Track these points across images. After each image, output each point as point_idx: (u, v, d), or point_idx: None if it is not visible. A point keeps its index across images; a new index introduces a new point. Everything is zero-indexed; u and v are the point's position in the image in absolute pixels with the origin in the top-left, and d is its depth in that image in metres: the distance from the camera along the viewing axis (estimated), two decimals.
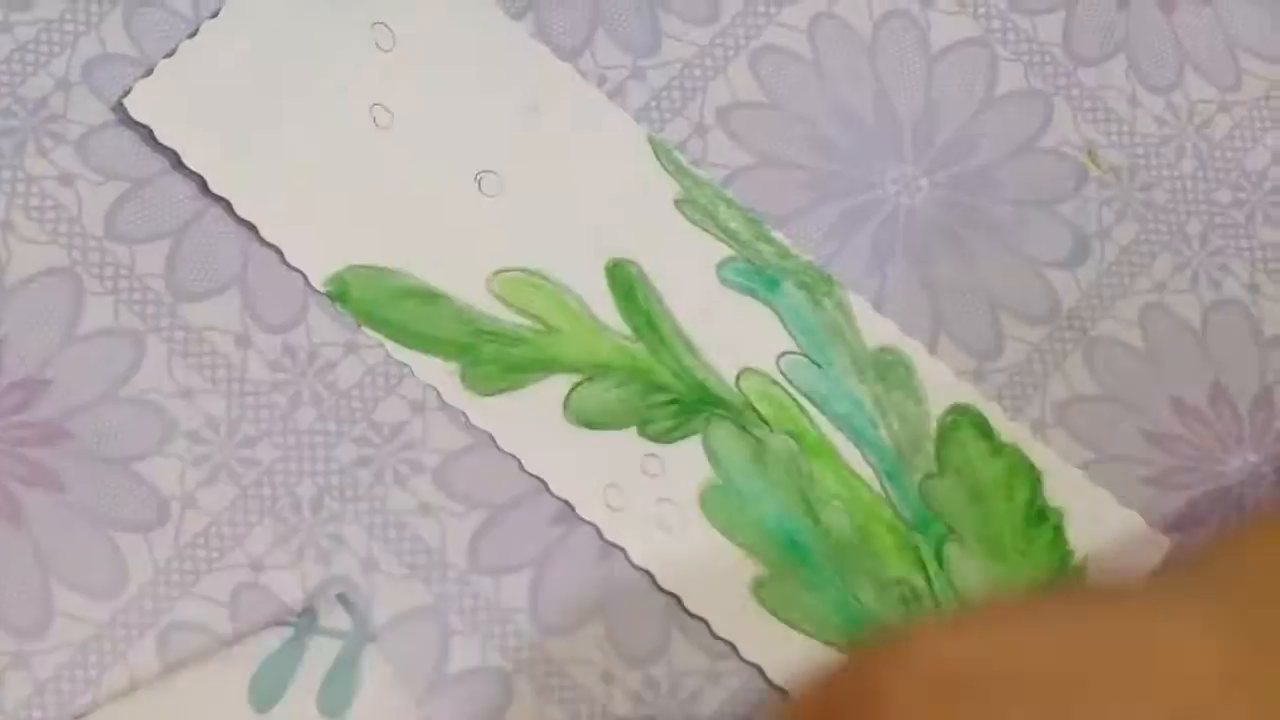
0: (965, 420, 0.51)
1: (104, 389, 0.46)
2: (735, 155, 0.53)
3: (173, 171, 0.49)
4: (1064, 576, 0.49)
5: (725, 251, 0.51)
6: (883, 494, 0.50)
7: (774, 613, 0.48)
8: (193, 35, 0.50)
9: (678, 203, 0.52)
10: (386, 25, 0.51)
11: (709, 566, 0.48)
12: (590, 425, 0.49)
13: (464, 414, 0.48)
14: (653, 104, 0.53)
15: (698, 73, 0.53)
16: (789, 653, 0.48)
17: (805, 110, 0.53)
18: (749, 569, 0.49)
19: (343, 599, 0.46)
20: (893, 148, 0.53)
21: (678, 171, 0.52)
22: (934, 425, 0.51)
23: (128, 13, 0.51)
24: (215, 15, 0.51)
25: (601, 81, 0.52)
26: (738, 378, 0.50)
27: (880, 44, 0.54)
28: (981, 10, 0.55)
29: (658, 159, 0.52)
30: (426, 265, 0.49)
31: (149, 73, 0.50)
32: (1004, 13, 0.55)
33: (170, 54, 0.50)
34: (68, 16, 0.50)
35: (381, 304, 0.49)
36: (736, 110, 0.53)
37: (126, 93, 0.50)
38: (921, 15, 0.54)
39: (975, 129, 0.51)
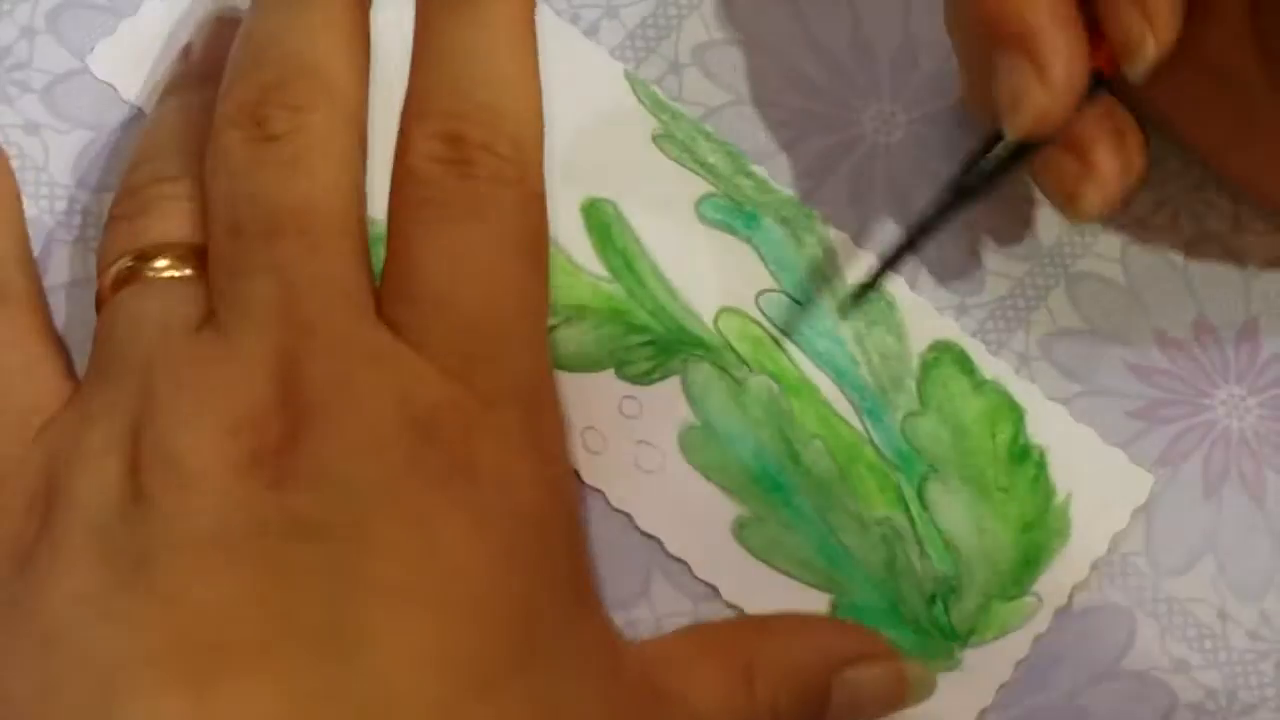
0: (947, 357, 0.49)
1: (77, 341, 0.44)
2: (711, 94, 0.51)
3: (142, 118, 0.47)
4: (1047, 514, 0.47)
5: (704, 187, 0.50)
6: (864, 432, 0.48)
7: (755, 554, 0.47)
8: None
9: (655, 138, 0.50)
10: None
11: (689, 508, 0.47)
12: (567, 368, 0.47)
13: None
14: (627, 42, 0.51)
15: (672, 10, 0.51)
16: (770, 594, 0.47)
17: (781, 47, 0.51)
18: (730, 510, 0.47)
19: None
20: (870, 84, 0.51)
21: (655, 106, 0.50)
22: (916, 362, 0.49)
23: None
24: None
25: (575, 20, 0.50)
26: (716, 317, 0.48)
27: None
28: None
29: (635, 94, 0.50)
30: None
31: (112, 32, 0.48)
32: None
33: (133, 13, 0.48)
34: None
35: None
36: (711, 48, 0.51)
37: (91, 49, 0.48)
38: None
39: (953, 66, 0.49)
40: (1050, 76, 0.41)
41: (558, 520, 0.38)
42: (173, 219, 0.40)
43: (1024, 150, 0.44)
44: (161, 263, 0.40)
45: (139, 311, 0.39)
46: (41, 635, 0.35)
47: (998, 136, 0.44)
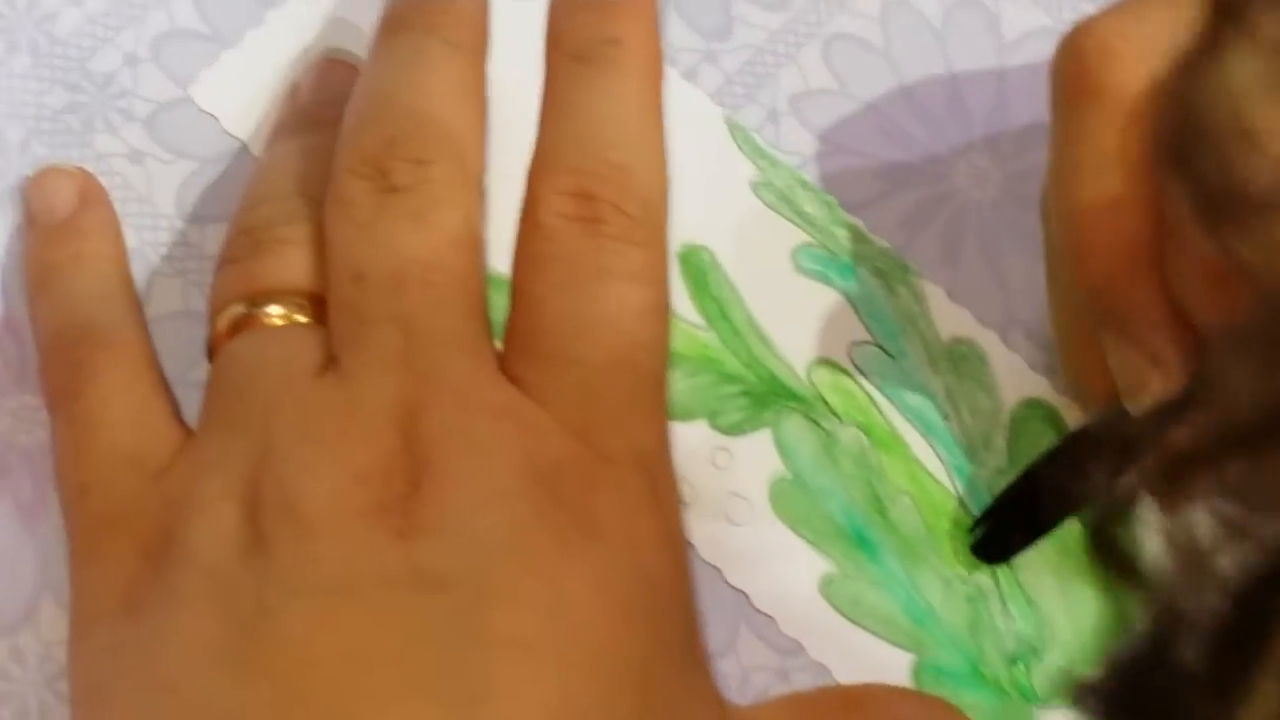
0: (1037, 415, 0.48)
1: (174, 374, 0.43)
2: (807, 142, 0.50)
3: (245, 151, 0.46)
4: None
5: (801, 237, 0.49)
6: (952, 489, 0.47)
7: (841, 610, 0.46)
8: (259, 24, 0.48)
9: (754, 185, 0.49)
10: None
11: (777, 562, 0.46)
12: None
13: None
14: (725, 88, 0.50)
15: (769, 58, 0.50)
16: (855, 653, 0.46)
17: (877, 99, 0.51)
18: (817, 565, 0.46)
19: None
20: (964, 138, 0.50)
21: (754, 153, 0.49)
22: (1006, 419, 0.48)
23: None
24: (283, 3, 0.48)
25: (673, 63, 0.49)
26: (809, 368, 0.48)
27: (952, 33, 0.51)
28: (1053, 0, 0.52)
29: (735, 140, 0.49)
30: (498, 255, 0.46)
31: (215, 63, 0.47)
32: (1076, 3, 0.52)
33: (236, 44, 0.47)
34: None
35: None
36: (808, 97, 0.50)
37: (194, 78, 0.47)
38: (993, 4, 0.52)
39: (1047, 120, 0.48)
40: (1168, 369, 0.43)
41: (675, 580, 0.38)
42: (289, 264, 0.39)
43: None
44: (277, 308, 0.39)
45: (259, 357, 0.38)
46: (160, 682, 0.35)
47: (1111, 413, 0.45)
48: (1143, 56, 0.42)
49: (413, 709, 0.34)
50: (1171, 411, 0.42)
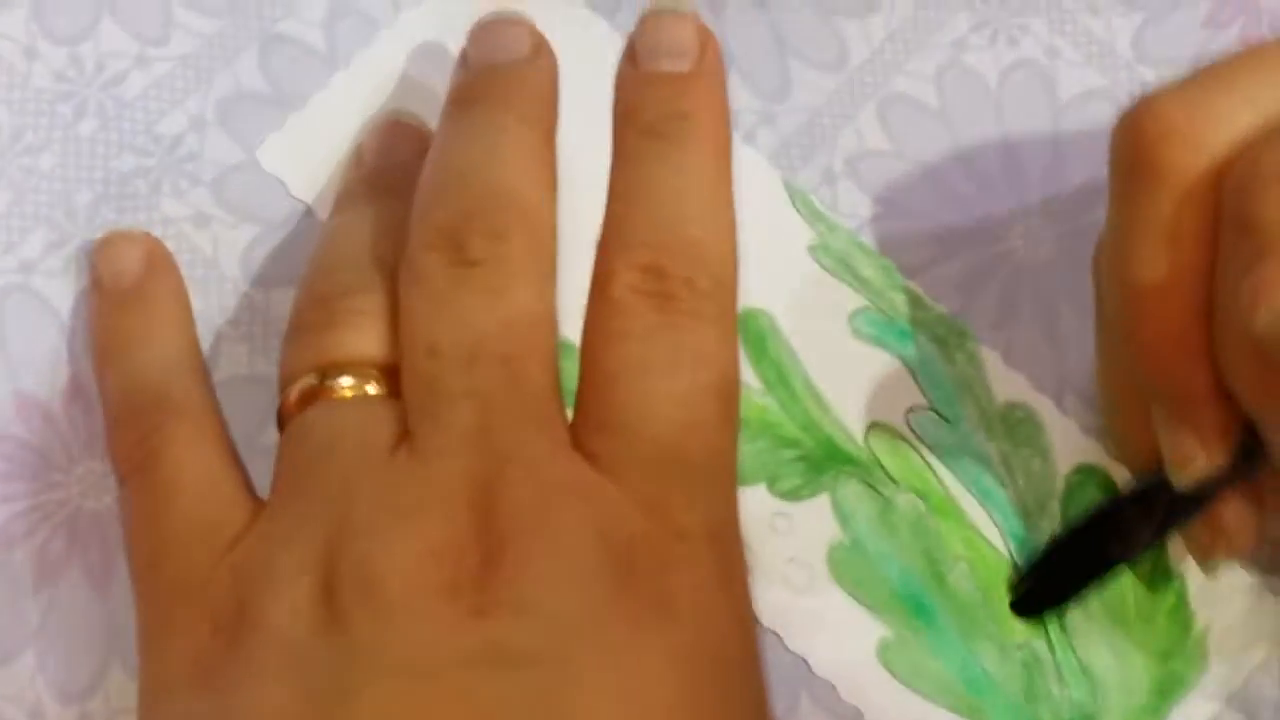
0: (1091, 480, 0.48)
1: (241, 438, 0.43)
2: (864, 205, 0.50)
3: (310, 214, 0.46)
4: (1185, 643, 0.47)
5: (858, 301, 0.49)
6: (1007, 555, 0.47)
7: (898, 677, 0.46)
8: (324, 87, 0.47)
9: (812, 249, 0.49)
10: None
11: (836, 629, 0.46)
12: None
13: None
14: (782, 150, 0.50)
15: (826, 120, 0.50)
16: (912, 719, 0.46)
17: (932, 161, 0.50)
18: (875, 631, 0.46)
19: None
20: (1019, 200, 0.50)
21: (813, 216, 0.49)
22: (1060, 484, 0.48)
23: (263, 50, 0.48)
24: (347, 65, 0.48)
25: (733, 126, 0.49)
26: (866, 432, 0.47)
27: (1007, 94, 0.51)
28: (1109, 61, 0.52)
29: (793, 203, 0.49)
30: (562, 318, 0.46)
31: (281, 127, 0.47)
32: (1130, 63, 0.52)
33: (301, 108, 0.47)
34: (203, 52, 0.47)
35: None
36: (865, 159, 0.50)
37: (260, 142, 0.47)
38: (1049, 66, 0.51)
39: (1102, 180, 0.48)
40: (1214, 448, 0.43)
41: (746, 656, 0.38)
42: (362, 335, 0.39)
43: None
44: (349, 380, 0.39)
45: (332, 430, 0.38)
46: None
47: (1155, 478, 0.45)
48: (1204, 138, 0.42)
49: None
50: (1216, 486, 0.42)
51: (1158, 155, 0.42)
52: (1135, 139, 0.43)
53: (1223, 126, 0.42)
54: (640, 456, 0.38)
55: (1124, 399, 0.46)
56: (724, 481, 0.39)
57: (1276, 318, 0.38)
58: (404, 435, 0.38)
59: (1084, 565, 0.47)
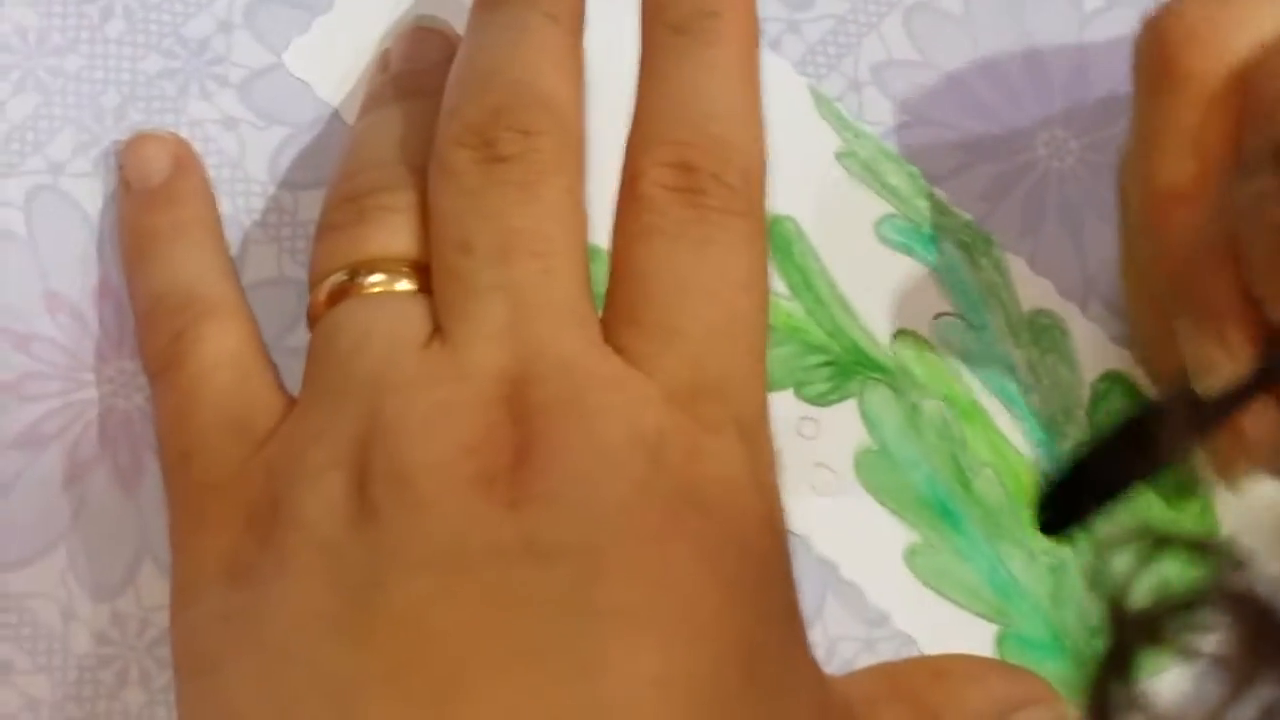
0: (1118, 387, 0.48)
1: (270, 340, 0.42)
2: (889, 113, 0.49)
3: (338, 118, 0.46)
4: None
5: (885, 208, 0.48)
6: (1034, 461, 0.47)
7: (926, 581, 0.46)
8: None
9: (838, 156, 0.49)
10: None
11: (863, 533, 0.46)
12: None
13: None
14: (808, 58, 0.49)
15: (852, 28, 0.50)
16: (940, 623, 0.46)
17: (957, 70, 0.50)
18: (902, 536, 0.46)
19: None
20: (1044, 109, 0.50)
21: (839, 124, 0.49)
22: (1087, 392, 0.48)
23: None
24: None
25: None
26: (892, 339, 0.47)
27: (1031, 3, 0.51)
28: None
29: (819, 111, 0.49)
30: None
31: (307, 30, 0.47)
32: None
33: (327, 10, 0.47)
34: None
35: None
36: (890, 68, 0.50)
37: (287, 45, 0.46)
38: None
39: (1126, 91, 0.48)
40: (1238, 353, 0.43)
41: (776, 552, 0.37)
42: (392, 231, 0.39)
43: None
44: (380, 277, 0.39)
45: (363, 326, 0.38)
46: (273, 650, 0.34)
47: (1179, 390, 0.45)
48: (1228, 43, 0.42)
49: (525, 680, 0.34)
50: (1240, 395, 0.42)
51: (1181, 60, 0.42)
52: (1159, 44, 0.43)
53: (1245, 31, 0.42)
54: (671, 351, 0.37)
55: (1149, 310, 0.46)
56: (754, 376, 0.38)
57: None
58: (435, 331, 0.38)
59: (1107, 482, 0.46)
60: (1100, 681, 0.30)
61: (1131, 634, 0.30)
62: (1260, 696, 0.28)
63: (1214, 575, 0.30)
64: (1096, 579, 0.29)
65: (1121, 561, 0.30)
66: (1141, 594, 0.30)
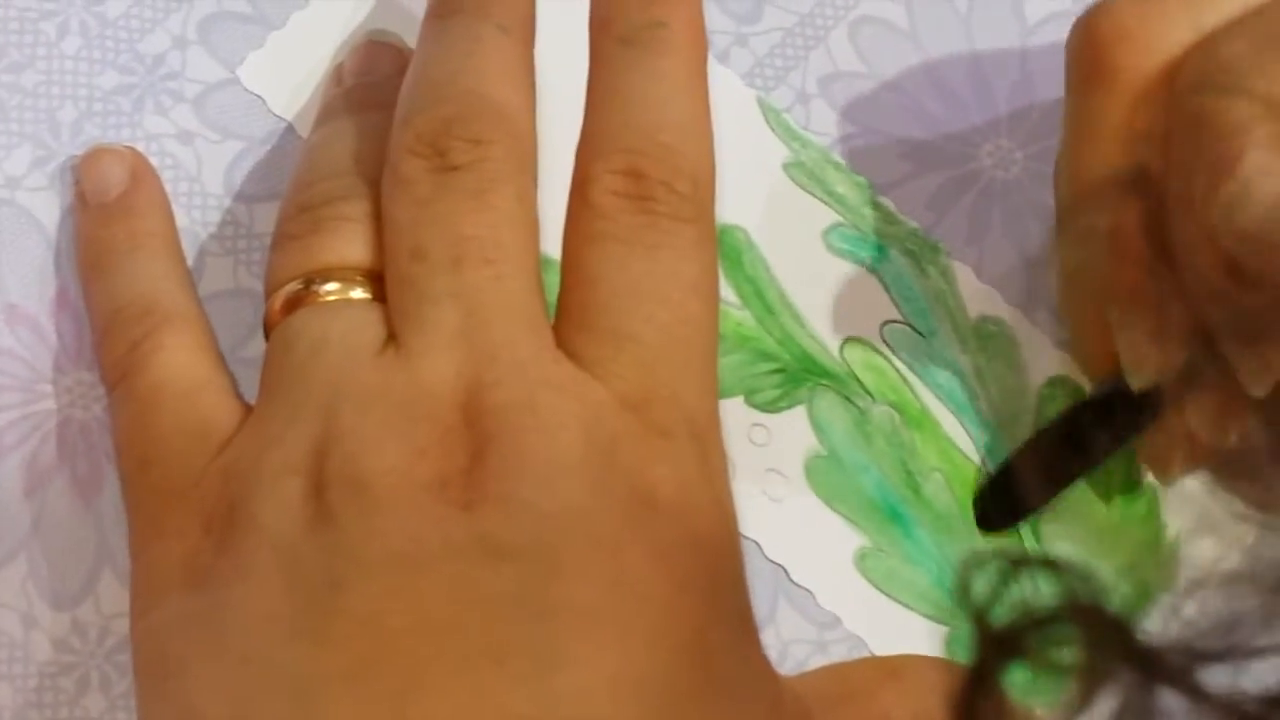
0: (1064, 392, 0.49)
1: (226, 351, 0.43)
2: (836, 124, 0.50)
3: (292, 132, 0.46)
4: (1157, 551, 0.47)
5: (833, 217, 0.49)
6: (982, 466, 0.48)
7: (876, 584, 0.46)
8: (304, 6, 0.48)
9: (786, 166, 0.49)
10: None
11: (814, 537, 0.46)
12: None
13: None
14: (756, 70, 0.50)
15: (799, 41, 0.51)
16: (890, 626, 0.46)
17: (903, 81, 0.51)
18: (852, 540, 0.46)
19: None
20: (988, 119, 0.51)
21: (787, 134, 0.50)
22: (1034, 397, 0.48)
23: None
24: None
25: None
26: (841, 346, 0.48)
27: (976, 15, 0.51)
28: None
29: (767, 121, 0.49)
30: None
31: (262, 45, 0.47)
32: None
33: (281, 26, 0.47)
34: None
35: None
36: (838, 80, 0.50)
37: (241, 60, 0.47)
38: None
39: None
40: (1169, 346, 0.44)
41: (729, 553, 0.38)
42: (347, 240, 0.40)
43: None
44: (335, 285, 0.39)
45: (319, 333, 0.38)
46: (233, 654, 0.35)
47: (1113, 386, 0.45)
48: (1158, 40, 0.43)
49: (483, 679, 0.34)
50: (1173, 390, 0.42)
51: (1111, 57, 0.43)
52: (1089, 42, 0.43)
53: (1174, 29, 0.42)
54: (623, 356, 0.38)
55: (1081, 305, 0.47)
56: (706, 380, 0.39)
57: (1232, 201, 0.39)
58: (390, 338, 0.38)
59: (1044, 478, 0.47)
60: (968, 698, 0.30)
61: (994, 650, 0.30)
62: (1107, 702, 0.28)
63: (1065, 591, 0.30)
64: (960, 599, 0.30)
65: (982, 581, 0.30)
66: (1003, 613, 0.30)
